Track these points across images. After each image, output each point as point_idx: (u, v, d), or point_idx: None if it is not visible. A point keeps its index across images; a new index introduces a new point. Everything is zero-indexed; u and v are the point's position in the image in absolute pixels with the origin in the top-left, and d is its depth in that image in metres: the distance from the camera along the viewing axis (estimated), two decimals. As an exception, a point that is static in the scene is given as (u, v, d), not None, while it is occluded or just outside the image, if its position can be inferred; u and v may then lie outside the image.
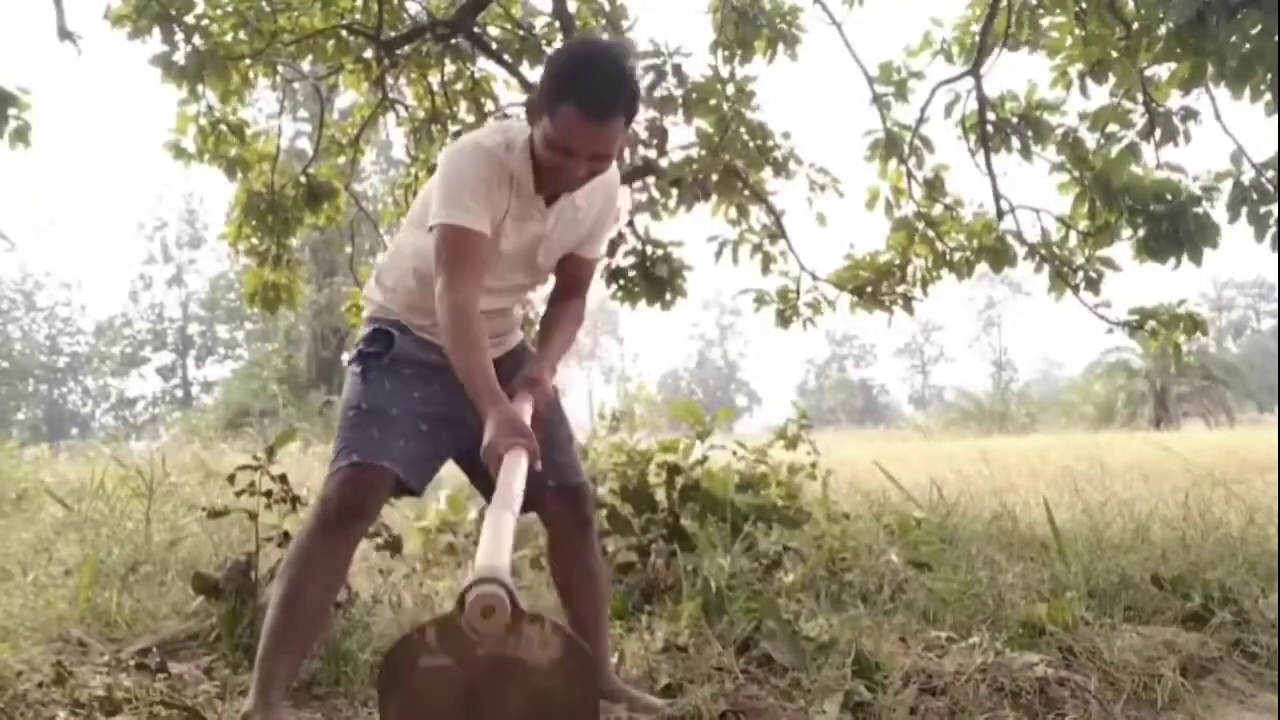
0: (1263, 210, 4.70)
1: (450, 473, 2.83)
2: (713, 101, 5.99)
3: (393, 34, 6.35)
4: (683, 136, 6.01)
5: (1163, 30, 4.46)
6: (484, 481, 2.21)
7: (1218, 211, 4.93)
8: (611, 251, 6.15)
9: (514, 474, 1.94)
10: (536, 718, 1.46)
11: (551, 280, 2.60)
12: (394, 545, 3.38)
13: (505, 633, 1.43)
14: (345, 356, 2.86)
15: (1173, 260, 5.04)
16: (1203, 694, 2.96)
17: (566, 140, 2.11)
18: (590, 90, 2.08)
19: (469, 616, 1.43)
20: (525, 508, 2.10)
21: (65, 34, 5.36)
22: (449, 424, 2.36)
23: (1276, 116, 4.19)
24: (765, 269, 6.56)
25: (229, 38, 5.87)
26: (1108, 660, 2.93)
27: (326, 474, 2.30)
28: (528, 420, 2.15)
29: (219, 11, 5.82)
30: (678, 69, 5.95)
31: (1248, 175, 4.78)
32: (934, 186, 6.29)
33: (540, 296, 2.75)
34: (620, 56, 2.19)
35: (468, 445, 2.24)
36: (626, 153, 5.77)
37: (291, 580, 2.24)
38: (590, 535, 2.61)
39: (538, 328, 2.59)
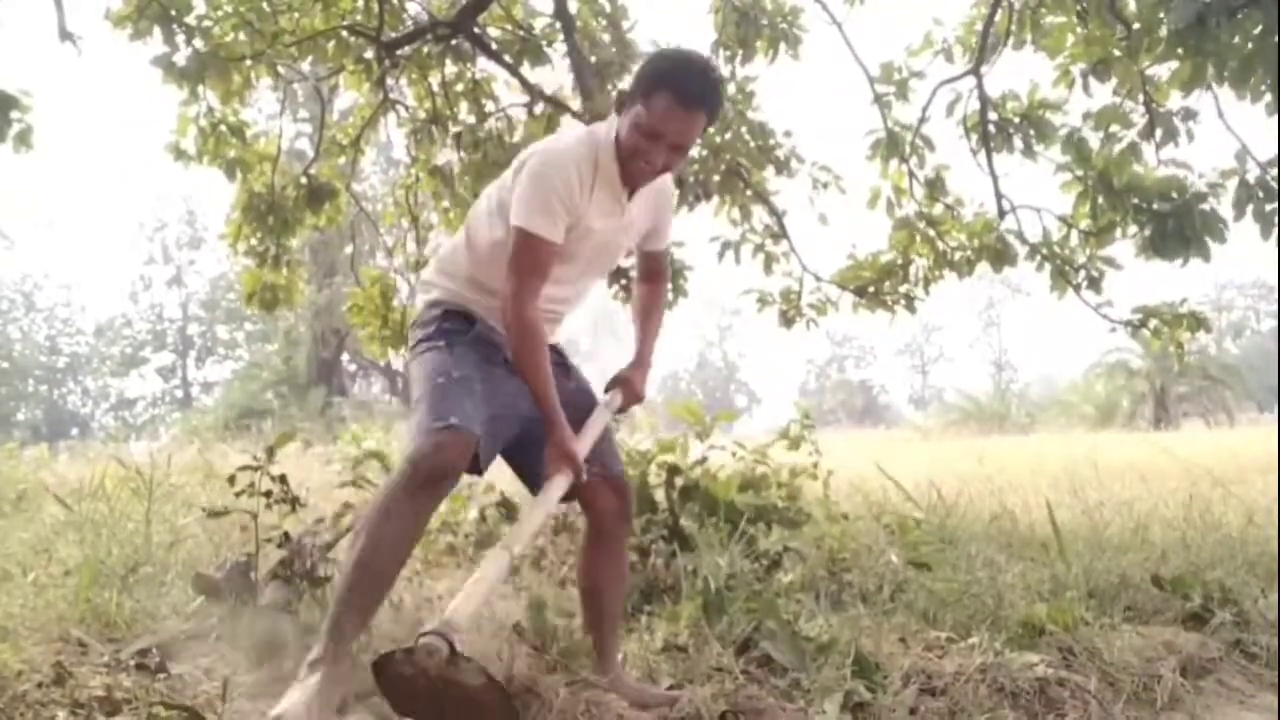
0: (1268, 208, 4.70)
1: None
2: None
3: (393, 35, 6.35)
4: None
5: (1163, 31, 4.46)
6: (525, 470, 2.56)
7: (1223, 209, 4.93)
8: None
9: (540, 507, 2.33)
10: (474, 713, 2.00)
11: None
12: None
13: (445, 665, 1.95)
14: (413, 336, 2.90)
15: (1180, 258, 5.03)
16: (1202, 694, 2.96)
17: (657, 124, 2.33)
18: (685, 82, 2.33)
19: (418, 654, 1.96)
20: (567, 497, 2.50)
21: (66, 35, 5.36)
22: (510, 412, 2.47)
23: (1277, 116, 4.19)
24: (768, 269, 6.56)
25: (230, 39, 5.87)
26: (1107, 660, 2.93)
27: (416, 433, 2.31)
28: (598, 431, 2.51)
29: (220, 12, 5.82)
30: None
31: (1252, 173, 4.77)
32: (935, 186, 6.29)
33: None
34: (710, 63, 2.48)
35: (519, 433, 2.48)
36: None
37: (371, 535, 2.25)
38: (624, 533, 2.71)
39: (633, 311, 2.90)
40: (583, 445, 2.43)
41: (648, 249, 2.80)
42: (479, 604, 2.10)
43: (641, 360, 2.79)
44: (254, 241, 6.95)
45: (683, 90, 2.32)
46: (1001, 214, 5.96)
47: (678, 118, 2.33)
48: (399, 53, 6.43)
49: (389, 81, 6.77)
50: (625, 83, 6.43)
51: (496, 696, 1.98)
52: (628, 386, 2.72)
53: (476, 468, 2.39)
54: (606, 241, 2.56)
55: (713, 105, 2.41)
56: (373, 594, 2.29)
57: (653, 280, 2.87)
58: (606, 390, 2.72)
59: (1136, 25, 4.87)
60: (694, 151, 5.99)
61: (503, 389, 2.46)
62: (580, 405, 2.59)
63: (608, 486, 2.59)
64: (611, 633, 2.69)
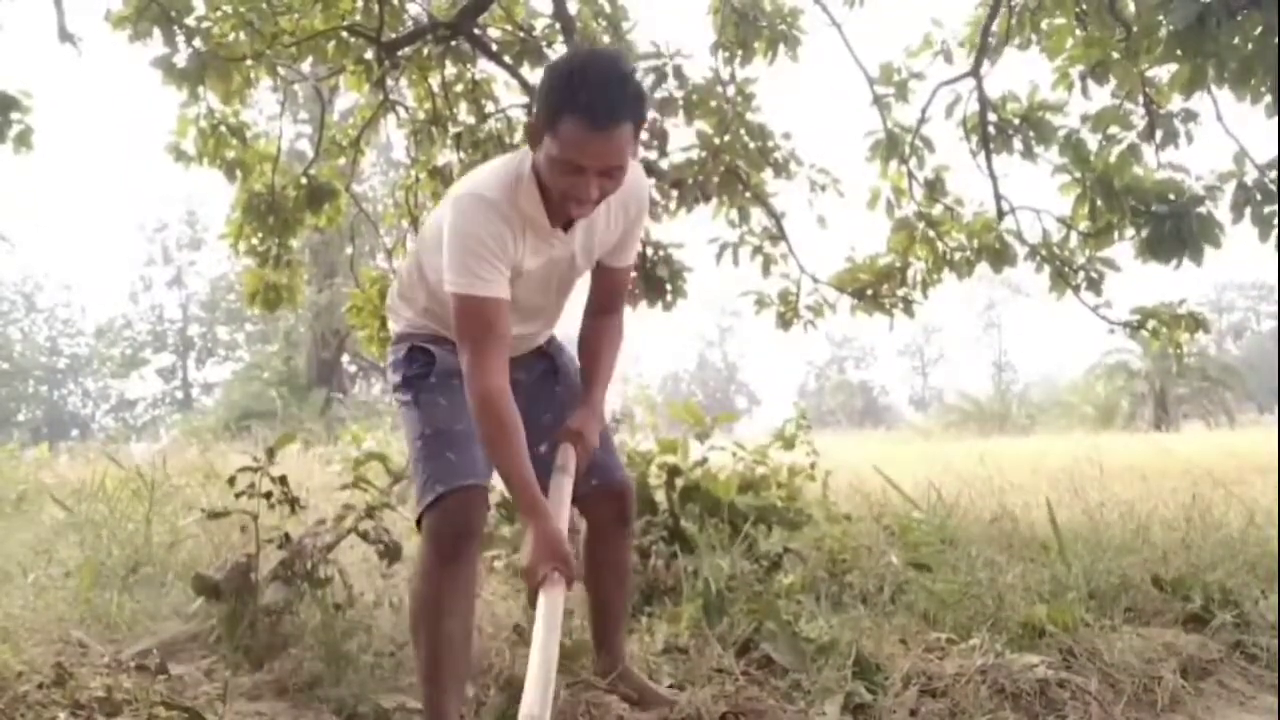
0: (1266, 210, 4.70)
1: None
2: (713, 103, 5.99)
3: (393, 36, 6.34)
4: (683, 138, 6.01)
5: (1163, 33, 4.46)
6: (536, 458, 2.24)
7: (1220, 212, 4.93)
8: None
9: (550, 610, 1.93)
10: None
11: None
12: (393, 552, 3.38)
13: None
14: (390, 380, 2.86)
15: (1174, 260, 5.03)
16: (1203, 696, 2.96)
17: (572, 155, 2.00)
18: (589, 97, 1.96)
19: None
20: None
21: (65, 36, 5.36)
22: None
23: (1277, 118, 4.20)
24: (766, 271, 6.56)
25: (230, 39, 5.87)
26: (1108, 662, 2.93)
27: (418, 510, 2.25)
28: (567, 495, 2.24)
29: (220, 13, 5.82)
30: (678, 70, 5.96)
31: (1250, 176, 4.78)
32: (935, 187, 6.30)
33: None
34: (615, 59, 2.11)
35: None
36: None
37: (430, 625, 2.20)
38: (626, 535, 2.67)
39: (577, 345, 2.55)
40: (561, 520, 2.17)
41: (610, 263, 2.46)
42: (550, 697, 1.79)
43: (593, 407, 2.42)
44: (254, 242, 6.94)
45: (589, 109, 1.95)
46: (1001, 215, 5.96)
47: (595, 143, 1.98)
48: (399, 53, 6.43)
49: (389, 82, 6.76)
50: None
51: None
52: (579, 440, 2.36)
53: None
54: (551, 275, 2.32)
55: (634, 112, 2.03)
56: (458, 667, 2.23)
57: (607, 311, 2.52)
58: (556, 444, 2.38)
59: (1136, 27, 4.87)
60: (692, 153, 5.99)
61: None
62: (570, 405, 2.47)
63: (607, 493, 2.53)
64: (616, 632, 2.68)
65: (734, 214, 6.54)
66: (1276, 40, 3.87)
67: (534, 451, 2.22)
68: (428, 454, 2.26)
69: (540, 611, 1.92)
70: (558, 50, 6.37)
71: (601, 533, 2.61)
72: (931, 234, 6.26)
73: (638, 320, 2.85)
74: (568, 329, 2.62)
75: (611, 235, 2.38)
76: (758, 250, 6.53)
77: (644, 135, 5.90)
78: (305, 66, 6.84)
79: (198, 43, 5.67)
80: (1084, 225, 5.64)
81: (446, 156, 7.01)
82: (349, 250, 9.18)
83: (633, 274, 2.67)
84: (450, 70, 6.84)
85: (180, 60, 5.70)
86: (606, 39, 6.52)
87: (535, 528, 2.06)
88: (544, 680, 1.76)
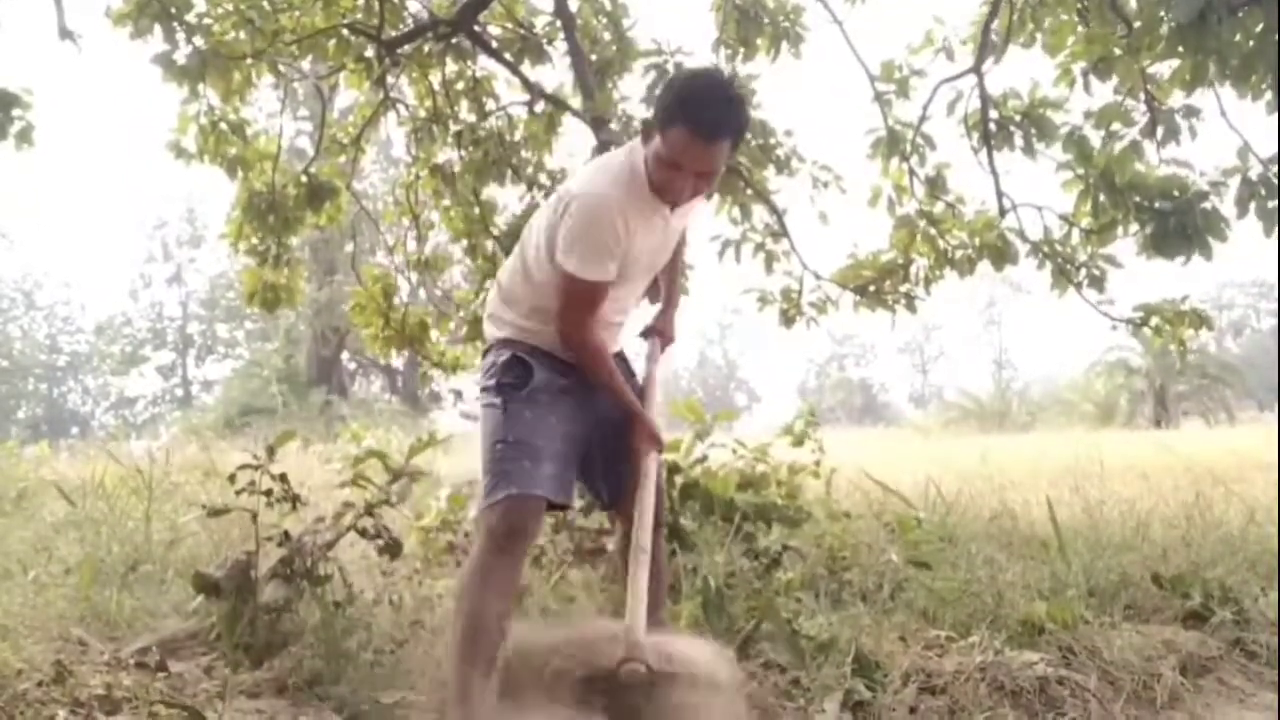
0: (1270, 205, 4.69)
1: (449, 473, 2.84)
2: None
3: (394, 33, 6.34)
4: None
5: (1165, 29, 4.46)
6: (588, 468, 2.66)
7: (1225, 207, 4.92)
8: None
9: (648, 500, 2.53)
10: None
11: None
12: (393, 549, 3.38)
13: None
14: (479, 380, 2.95)
15: (1181, 256, 5.02)
16: (1202, 693, 2.96)
17: (676, 157, 2.34)
18: (702, 111, 2.32)
19: (624, 678, 2.16)
20: (604, 506, 2.84)
21: (65, 33, 5.36)
22: (578, 437, 2.59)
23: (1277, 115, 4.19)
24: (769, 268, 6.56)
25: (230, 37, 5.86)
26: (1107, 659, 2.93)
27: (485, 504, 2.47)
28: (656, 388, 2.76)
29: (220, 10, 5.81)
30: (680, 68, 5.94)
31: (1255, 170, 4.76)
32: (936, 184, 6.28)
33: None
34: (728, 85, 2.49)
35: (587, 450, 2.62)
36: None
37: (473, 604, 2.38)
38: (660, 537, 2.75)
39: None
40: (653, 415, 2.66)
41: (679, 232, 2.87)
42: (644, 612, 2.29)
43: (669, 303, 2.99)
44: (255, 240, 6.94)
45: (698, 122, 2.31)
46: (1003, 212, 5.94)
47: (697, 150, 2.34)
48: (399, 51, 6.42)
49: (389, 80, 6.76)
50: (626, 82, 6.44)
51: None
52: (660, 331, 2.94)
53: (560, 506, 2.58)
54: (653, 257, 2.64)
55: (735, 130, 2.41)
56: (489, 653, 2.37)
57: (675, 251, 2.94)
58: (642, 336, 2.94)
59: (1138, 23, 4.86)
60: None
61: (567, 419, 2.56)
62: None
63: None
64: (658, 626, 2.71)
65: (736, 211, 6.54)
66: (1277, 37, 3.87)
67: (617, 468, 2.64)
68: (505, 458, 2.47)
69: (644, 472, 2.54)
70: (558, 48, 6.37)
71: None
72: (933, 231, 6.25)
73: (638, 319, 2.96)
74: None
75: (688, 212, 2.74)
76: (760, 247, 6.52)
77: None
78: (305, 64, 6.83)
79: (198, 40, 5.66)
80: (1086, 222, 5.63)
81: (447, 154, 7.00)
82: (349, 248, 9.17)
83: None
84: (451, 68, 6.83)
85: (181, 57, 5.69)
86: (607, 36, 6.51)
87: (640, 422, 2.59)
88: (637, 595, 2.29)
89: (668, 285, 3.01)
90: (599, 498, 2.80)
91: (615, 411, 2.65)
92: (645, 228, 2.51)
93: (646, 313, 3.07)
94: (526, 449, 2.46)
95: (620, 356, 2.82)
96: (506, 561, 2.43)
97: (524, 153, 6.73)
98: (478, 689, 2.31)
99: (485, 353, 2.71)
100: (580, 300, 2.47)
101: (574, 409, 2.57)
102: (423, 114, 6.95)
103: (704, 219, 6.47)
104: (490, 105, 6.90)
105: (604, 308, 2.55)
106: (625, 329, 2.84)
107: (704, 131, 2.32)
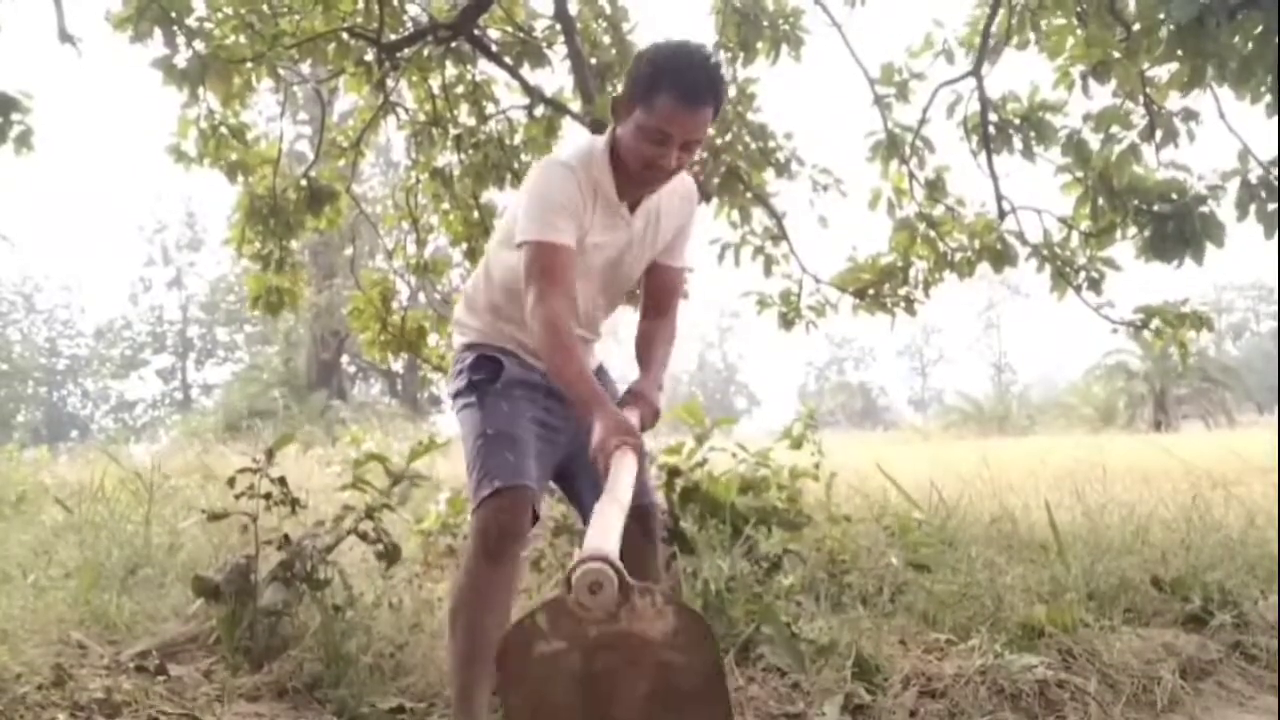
0: (1270, 208, 4.69)
1: (449, 476, 2.84)
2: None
3: (393, 37, 6.34)
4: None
5: (1164, 32, 4.46)
6: (575, 493, 2.52)
7: (1224, 210, 4.92)
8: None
9: (623, 471, 1.99)
10: (661, 691, 1.47)
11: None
12: (391, 554, 3.38)
13: (615, 609, 1.44)
14: (449, 388, 2.86)
15: (1177, 260, 5.02)
16: (1202, 696, 2.96)
17: (664, 125, 2.22)
18: (684, 78, 2.22)
19: (577, 593, 1.43)
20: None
21: (65, 36, 5.35)
22: (553, 440, 2.47)
23: (1277, 118, 4.19)
24: (768, 271, 6.56)
25: (230, 41, 5.86)
26: (1107, 662, 2.93)
27: (474, 504, 2.34)
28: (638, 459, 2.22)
29: (220, 15, 5.82)
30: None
31: (1254, 173, 4.76)
32: (936, 187, 6.29)
33: (610, 324, 2.80)
34: (707, 50, 2.33)
35: (564, 458, 2.47)
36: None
37: (468, 617, 2.30)
38: (655, 553, 2.66)
39: (634, 344, 2.62)
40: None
41: (665, 262, 2.59)
42: (617, 543, 1.62)
43: (653, 376, 2.53)
44: (258, 245, 6.94)
45: (685, 87, 2.21)
46: (1002, 215, 5.95)
47: (684, 116, 2.23)
48: (399, 55, 6.43)
49: (389, 84, 6.76)
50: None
51: (700, 643, 1.49)
52: (644, 402, 2.43)
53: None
54: (616, 258, 2.45)
55: (718, 96, 2.29)
56: (490, 662, 2.22)
57: (661, 311, 2.62)
58: (621, 406, 2.40)
59: (1136, 26, 4.86)
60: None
61: (542, 419, 2.45)
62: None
63: (634, 512, 2.53)
64: None
65: (735, 214, 6.54)
66: (1276, 40, 3.87)
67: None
68: (487, 452, 2.35)
69: (610, 476, 1.97)
70: (558, 51, 6.37)
71: (629, 551, 2.60)
72: (933, 234, 6.25)
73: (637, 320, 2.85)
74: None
75: (668, 229, 2.53)
76: (759, 250, 6.53)
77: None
78: (305, 68, 6.84)
79: (198, 44, 5.66)
80: (1085, 225, 5.64)
81: (446, 158, 7.00)
82: (349, 251, 9.16)
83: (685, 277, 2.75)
84: (450, 71, 6.83)
85: (181, 61, 5.69)
86: (607, 40, 6.52)
87: (602, 414, 2.15)
88: (606, 526, 1.68)
89: (652, 365, 2.56)
90: (582, 513, 2.54)
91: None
92: (605, 212, 2.37)
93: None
94: (508, 439, 2.37)
95: (599, 371, 2.63)
96: (500, 569, 2.31)
97: (524, 156, 6.73)
98: (481, 702, 2.28)
99: (451, 369, 2.60)
100: (533, 270, 2.25)
101: (550, 413, 2.45)
102: (422, 118, 6.95)
103: (701, 225, 6.47)
104: (490, 109, 6.90)
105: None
106: (593, 350, 2.65)
107: (690, 96, 2.22)
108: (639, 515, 2.54)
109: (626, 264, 2.50)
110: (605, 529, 1.66)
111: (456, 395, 2.52)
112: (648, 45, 2.49)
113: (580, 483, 2.50)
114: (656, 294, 2.62)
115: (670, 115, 2.22)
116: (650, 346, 2.57)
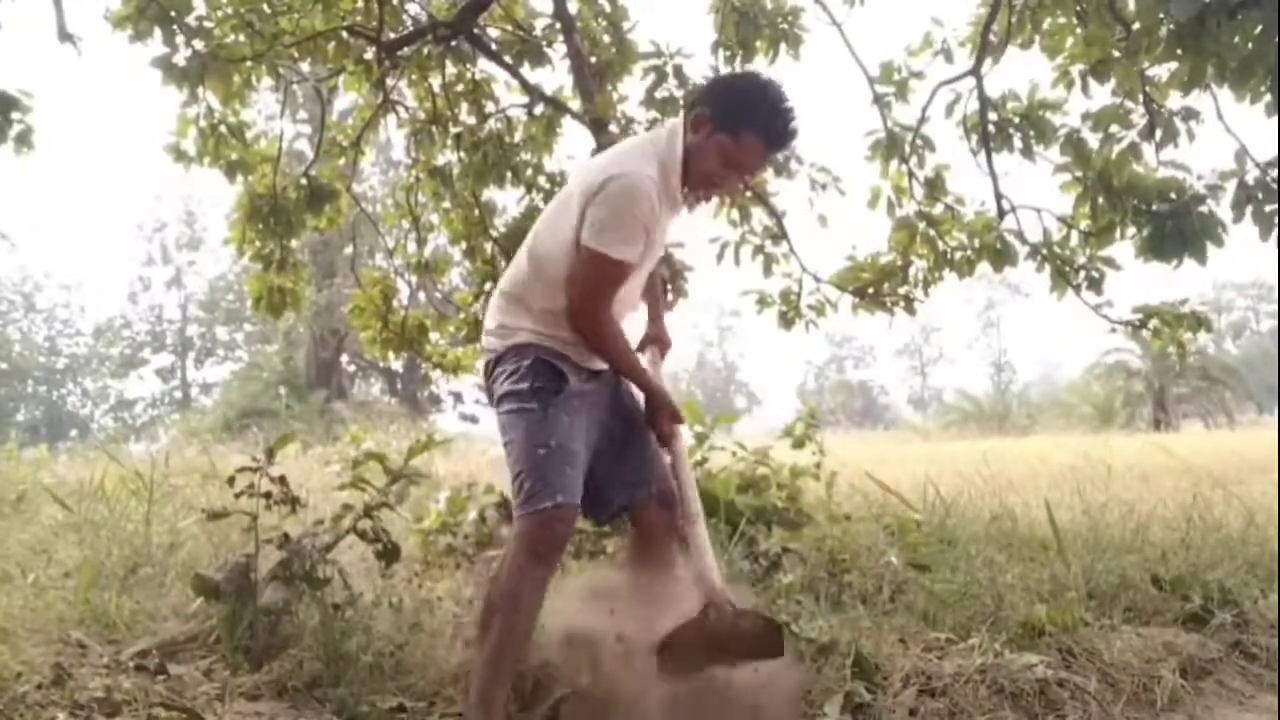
0: (1267, 209, 4.69)
1: (450, 473, 2.84)
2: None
3: (393, 36, 6.34)
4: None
5: (1163, 31, 4.46)
6: (605, 490, 2.65)
7: (1222, 210, 4.92)
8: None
9: (687, 475, 2.63)
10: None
11: None
12: (391, 553, 3.37)
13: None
14: (502, 386, 2.89)
15: (1175, 259, 5.02)
16: (1202, 695, 2.96)
17: (746, 161, 2.49)
18: (778, 124, 2.46)
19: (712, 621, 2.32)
20: (619, 512, 2.73)
21: (65, 35, 5.35)
22: (593, 447, 2.61)
23: (1277, 118, 4.19)
24: (768, 270, 6.56)
25: (230, 40, 5.86)
26: (1107, 661, 2.93)
27: (528, 510, 2.44)
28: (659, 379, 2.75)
29: (220, 13, 5.81)
30: (679, 70, 5.95)
31: (1252, 174, 4.76)
32: (935, 186, 6.29)
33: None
34: (787, 92, 2.55)
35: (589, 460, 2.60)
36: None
37: (508, 620, 2.44)
38: (675, 541, 2.73)
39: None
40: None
41: None
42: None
43: (658, 310, 2.99)
44: (258, 244, 6.93)
45: (776, 133, 2.46)
46: (1001, 214, 5.95)
47: (764, 157, 2.51)
48: (399, 54, 6.42)
49: (389, 82, 6.76)
50: (625, 84, 6.44)
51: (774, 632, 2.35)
52: (656, 340, 2.96)
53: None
54: (662, 242, 2.67)
55: (796, 138, 2.57)
56: (514, 663, 2.47)
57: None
58: (640, 349, 2.89)
59: (1136, 25, 4.86)
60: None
61: (589, 426, 2.58)
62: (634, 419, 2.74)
63: (656, 501, 2.68)
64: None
65: (734, 213, 6.54)
66: (1276, 40, 3.87)
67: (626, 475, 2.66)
68: (550, 464, 2.46)
69: (681, 486, 2.60)
70: (558, 50, 6.37)
71: (650, 539, 2.71)
72: (932, 233, 6.25)
73: (638, 320, 2.93)
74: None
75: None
76: (759, 250, 6.52)
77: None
78: (305, 67, 6.83)
79: (198, 43, 5.65)
80: (1085, 224, 5.64)
81: (446, 156, 7.00)
82: (349, 250, 9.16)
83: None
84: (450, 70, 6.83)
85: (180, 60, 5.69)
86: (606, 39, 6.51)
87: (662, 401, 2.64)
88: (704, 550, 2.46)
89: (653, 294, 3.00)
90: (604, 509, 2.73)
91: (618, 419, 2.68)
92: (669, 214, 2.57)
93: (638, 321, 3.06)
94: (569, 455, 2.47)
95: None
96: (542, 575, 2.46)
97: (523, 155, 6.74)
98: (499, 701, 2.41)
99: (498, 359, 2.60)
100: (603, 282, 2.45)
101: (592, 419, 2.59)
102: (422, 116, 6.95)
103: (700, 220, 6.47)
104: (490, 108, 6.90)
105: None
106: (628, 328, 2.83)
107: (779, 141, 2.49)
108: (664, 502, 2.69)
109: (661, 251, 2.75)
110: (708, 555, 2.47)
111: (513, 396, 2.54)
112: (739, 72, 2.69)
113: (598, 478, 2.61)
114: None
115: (757, 153, 2.48)
116: (650, 290, 2.93)
